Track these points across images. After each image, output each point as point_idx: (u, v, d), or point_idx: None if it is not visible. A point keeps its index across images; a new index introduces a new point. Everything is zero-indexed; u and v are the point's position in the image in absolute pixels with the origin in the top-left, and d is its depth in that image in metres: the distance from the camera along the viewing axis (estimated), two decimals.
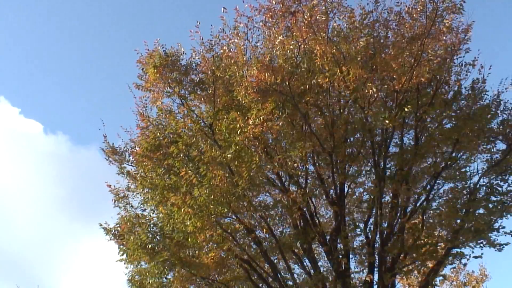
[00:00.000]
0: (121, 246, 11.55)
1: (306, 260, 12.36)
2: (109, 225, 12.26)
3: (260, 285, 12.21)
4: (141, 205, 12.33)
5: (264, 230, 11.63)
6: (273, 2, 10.91)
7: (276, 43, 10.05)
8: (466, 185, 11.55)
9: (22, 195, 44.30)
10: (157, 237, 11.31)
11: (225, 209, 10.14)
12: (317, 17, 9.66)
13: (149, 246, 10.91)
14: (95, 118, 47.93)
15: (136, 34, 43.01)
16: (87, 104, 47.83)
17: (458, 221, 11.33)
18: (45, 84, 46.86)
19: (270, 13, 10.94)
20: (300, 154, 10.35)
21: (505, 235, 11.25)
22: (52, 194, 45.74)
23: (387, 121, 10.09)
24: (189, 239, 10.90)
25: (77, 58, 45.54)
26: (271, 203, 12.13)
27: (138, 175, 11.59)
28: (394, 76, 10.67)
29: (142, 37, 43.19)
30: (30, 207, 44.27)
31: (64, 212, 46.67)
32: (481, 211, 11.33)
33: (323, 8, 9.82)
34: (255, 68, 9.41)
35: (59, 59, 45.43)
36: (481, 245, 11.42)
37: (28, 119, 48.59)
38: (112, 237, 12.17)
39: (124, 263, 11.81)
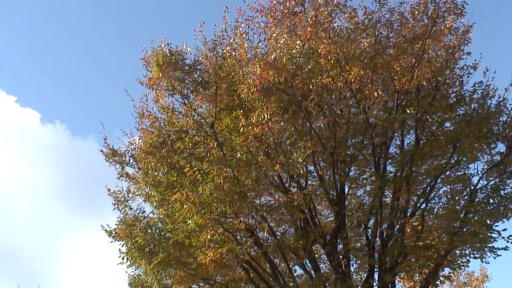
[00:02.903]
0: (121, 248, 11.55)
1: (307, 261, 12.37)
2: (110, 227, 12.27)
3: (261, 286, 12.20)
4: (141, 207, 12.34)
5: (265, 231, 11.65)
6: (275, 2, 10.98)
7: (281, 42, 10.07)
8: (466, 186, 11.56)
9: (20, 187, 43.67)
10: (155, 236, 11.32)
11: (228, 208, 10.16)
12: (322, 18, 9.70)
13: (146, 249, 10.91)
14: (94, 106, 47.31)
15: (136, 27, 42.97)
16: (85, 92, 47.38)
17: (458, 223, 11.35)
18: (42, 71, 46.30)
19: (272, 14, 11.00)
20: (302, 155, 10.38)
21: (504, 239, 11.26)
22: (51, 186, 45.13)
23: (396, 123, 10.09)
24: (190, 239, 10.90)
25: (76, 47, 45.00)
26: (273, 203, 12.11)
27: (141, 172, 11.61)
28: (394, 77, 10.74)
29: (142, 30, 42.88)
30: (28, 200, 43.64)
31: (64, 205, 46.09)
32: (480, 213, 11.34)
33: (329, 9, 9.86)
34: (258, 65, 9.44)
35: (56, 46, 44.99)
36: (480, 250, 11.42)
37: (25, 108, 47.99)
38: (113, 239, 12.18)
39: (125, 265, 11.80)
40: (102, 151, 12.77)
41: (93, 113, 46.93)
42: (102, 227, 12.25)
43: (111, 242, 12.26)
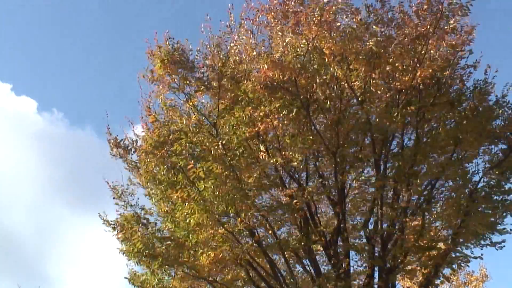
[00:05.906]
0: (122, 244, 11.47)
1: (307, 261, 12.33)
2: (106, 214, 12.21)
3: (261, 286, 12.14)
4: (141, 205, 12.28)
5: (266, 230, 11.60)
6: (275, 2, 10.94)
7: (286, 41, 10.03)
8: (467, 183, 11.56)
9: (17, 179, 42.75)
10: (155, 235, 11.26)
11: (229, 207, 10.11)
12: (327, 17, 9.68)
13: (145, 253, 10.83)
14: (91, 95, 46.59)
15: (135, 16, 42.56)
16: (82, 80, 46.61)
17: (459, 221, 11.37)
18: (37, 58, 45.39)
19: (273, 14, 10.96)
20: (304, 150, 10.36)
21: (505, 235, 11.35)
22: (49, 177, 44.26)
23: (397, 121, 10.06)
24: (190, 237, 10.82)
25: (73, 34, 44.30)
26: (273, 204, 12.07)
27: (142, 170, 11.52)
28: (397, 75, 10.74)
29: (140, 20, 42.42)
30: (25, 192, 42.83)
31: (62, 197, 45.32)
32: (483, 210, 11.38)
33: (333, 8, 9.84)
34: (264, 63, 9.41)
35: (53, 32, 44.25)
36: (481, 245, 11.49)
37: (21, 96, 46.95)
38: (111, 230, 12.12)
39: (125, 258, 11.71)
40: (109, 140, 12.61)
41: (90, 101, 46.26)
42: (100, 215, 12.19)
43: (106, 231, 12.18)
